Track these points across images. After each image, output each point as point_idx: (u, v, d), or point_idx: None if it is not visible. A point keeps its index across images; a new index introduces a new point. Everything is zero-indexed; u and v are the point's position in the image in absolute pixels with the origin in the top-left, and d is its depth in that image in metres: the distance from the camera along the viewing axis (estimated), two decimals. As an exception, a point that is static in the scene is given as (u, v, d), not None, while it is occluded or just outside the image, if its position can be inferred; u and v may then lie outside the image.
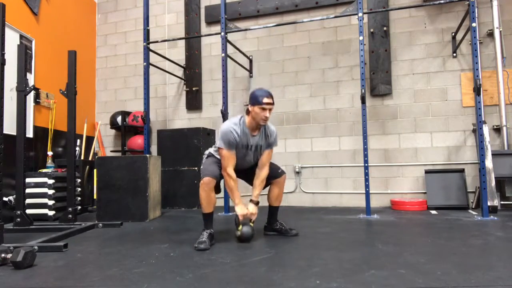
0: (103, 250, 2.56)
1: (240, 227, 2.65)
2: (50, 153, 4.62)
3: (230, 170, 2.66)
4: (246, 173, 2.87)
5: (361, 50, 3.86)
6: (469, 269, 1.88)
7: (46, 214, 4.11)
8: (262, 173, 2.76)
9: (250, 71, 5.30)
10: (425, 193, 4.51)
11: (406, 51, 4.78)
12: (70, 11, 5.40)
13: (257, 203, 2.76)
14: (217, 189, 2.73)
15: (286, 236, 2.85)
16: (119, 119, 5.50)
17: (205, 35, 5.25)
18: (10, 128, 3.87)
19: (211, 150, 2.85)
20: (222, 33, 4.31)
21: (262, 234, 2.95)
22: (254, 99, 2.61)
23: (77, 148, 5.04)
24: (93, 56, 6.00)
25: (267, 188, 2.90)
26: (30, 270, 2.06)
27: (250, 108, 2.65)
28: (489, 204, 3.65)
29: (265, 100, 2.59)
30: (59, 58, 4.94)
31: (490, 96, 4.47)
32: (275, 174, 2.85)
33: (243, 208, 2.69)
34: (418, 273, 1.82)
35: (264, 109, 2.59)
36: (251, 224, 2.72)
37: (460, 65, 4.60)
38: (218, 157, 2.74)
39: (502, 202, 4.21)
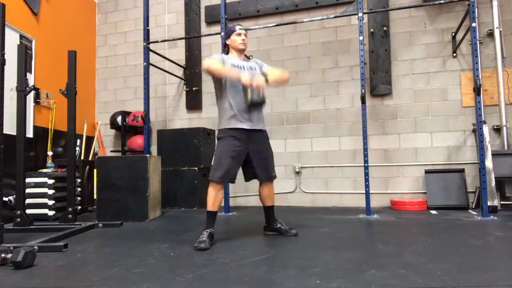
0: (103, 250, 2.56)
1: (249, 93, 2.51)
2: (50, 153, 4.62)
3: (211, 61, 2.60)
4: (243, 163, 2.77)
5: (361, 50, 3.86)
6: (469, 269, 1.88)
7: (46, 214, 4.11)
8: (279, 70, 2.81)
9: (250, 71, 5.29)
10: (425, 193, 4.51)
11: (406, 51, 4.78)
12: (70, 11, 5.40)
13: (267, 80, 2.66)
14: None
15: (286, 236, 2.85)
16: (119, 119, 5.50)
17: (205, 35, 5.25)
18: (10, 128, 3.88)
19: (223, 123, 2.73)
20: (222, 33, 4.31)
21: (262, 234, 2.95)
22: (229, 31, 2.83)
23: (77, 148, 5.04)
24: (93, 56, 6.00)
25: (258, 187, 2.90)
26: (30, 270, 2.06)
27: (227, 42, 2.83)
28: (489, 204, 3.65)
29: (237, 27, 2.80)
30: (59, 58, 4.94)
31: (490, 96, 4.47)
32: (270, 175, 2.83)
33: (249, 76, 2.54)
34: (418, 273, 1.82)
35: (239, 34, 2.78)
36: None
37: (460, 65, 4.61)
38: (232, 136, 2.65)
39: (502, 202, 4.21)
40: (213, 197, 2.64)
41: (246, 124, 2.68)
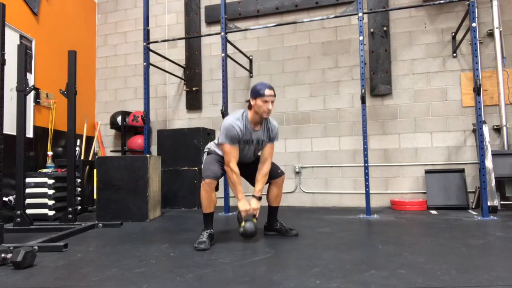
0: (103, 250, 2.56)
1: (243, 223, 2.63)
2: (50, 153, 4.62)
3: (233, 165, 2.65)
4: (245, 169, 2.86)
5: (361, 50, 3.86)
6: (469, 269, 1.88)
7: (46, 214, 4.11)
8: (264, 168, 2.75)
9: (250, 71, 5.30)
10: (425, 193, 4.51)
11: (406, 51, 4.78)
12: (70, 11, 5.40)
13: (259, 198, 2.73)
14: (215, 187, 2.74)
15: (286, 236, 2.85)
16: (119, 119, 5.50)
17: (205, 35, 5.25)
18: (10, 128, 3.88)
19: (212, 145, 2.85)
20: (222, 33, 4.31)
21: (262, 234, 2.95)
22: (256, 92, 2.61)
23: (77, 148, 5.04)
24: (93, 56, 6.00)
25: (266, 188, 2.89)
26: (30, 270, 2.06)
27: (252, 102, 2.64)
28: (489, 204, 3.65)
29: (267, 92, 2.59)
30: (59, 58, 4.94)
31: (490, 96, 4.47)
32: (274, 174, 2.85)
33: (246, 204, 2.67)
34: (418, 273, 1.82)
35: (266, 101, 2.59)
36: (255, 220, 2.70)
37: (460, 65, 4.61)
38: (220, 153, 2.74)
39: (502, 202, 4.21)
40: (207, 198, 2.64)
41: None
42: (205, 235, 2.58)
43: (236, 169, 2.66)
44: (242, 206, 2.65)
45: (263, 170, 2.74)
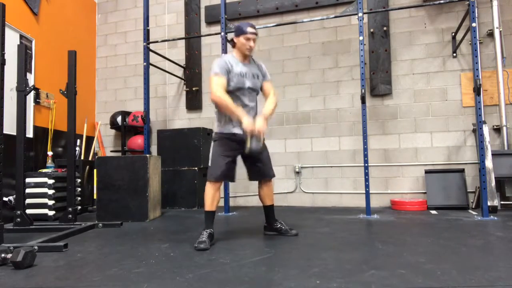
0: (103, 250, 2.56)
1: (248, 141, 2.55)
2: (50, 153, 4.62)
3: (217, 89, 2.59)
4: (246, 163, 2.84)
5: (361, 50, 3.86)
6: (469, 269, 1.88)
7: (46, 214, 4.11)
8: (271, 98, 2.83)
9: (250, 71, 5.29)
10: (425, 193, 4.51)
11: (406, 51, 4.78)
12: (70, 11, 5.40)
13: (266, 118, 2.69)
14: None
15: (286, 236, 2.85)
16: (119, 119, 5.50)
17: (205, 35, 5.25)
18: (10, 128, 3.88)
19: (219, 128, 2.77)
20: (222, 33, 4.32)
21: (262, 234, 2.95)
22: (239, 30, 2.72)
23: (77, 148, 5.04)
24: (93, 56, 6.00)
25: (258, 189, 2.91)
26: (30, 270, 2.06)
27: (235, 40, 2.76)
28: (489, 204, 3.65)
29: (249, 30, 2.69)
30: (59, 58, 4.94)
31: (490, 96, 4.47)
32: (267, 173, 2.84)
33: (250, 122, 2.56)
34: (418, 273, 1.82)
35: (248, 38, 2.69)
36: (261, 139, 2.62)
37: (460, 65, 4.61)
38: (225, 130, 2.69)
39: (502, 202, 4.21)
40: (211, 196, 2.66)
41: (239, 129, 2.68)
42: (205, 234, 2.58)
43: (222, 92, 2.60)
44: (247, 124, 2.55)
45: (272, 99, 2.83)
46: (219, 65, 2.65)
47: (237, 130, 2.69)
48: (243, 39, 2.70)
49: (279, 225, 2.91)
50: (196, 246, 2.46)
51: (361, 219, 3.66)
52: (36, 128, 4.54)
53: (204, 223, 2.68)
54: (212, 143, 2.79)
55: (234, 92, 2.69)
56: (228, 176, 2.72)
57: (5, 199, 3.88)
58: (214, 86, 2.61)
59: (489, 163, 3.89)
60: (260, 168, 2.81)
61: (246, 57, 2.80)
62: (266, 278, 1.81)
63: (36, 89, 4.29)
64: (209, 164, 2.73)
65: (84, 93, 5.57)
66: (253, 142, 2.57)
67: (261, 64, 2.91)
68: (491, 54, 4.47)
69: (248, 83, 2.74)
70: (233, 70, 2.68)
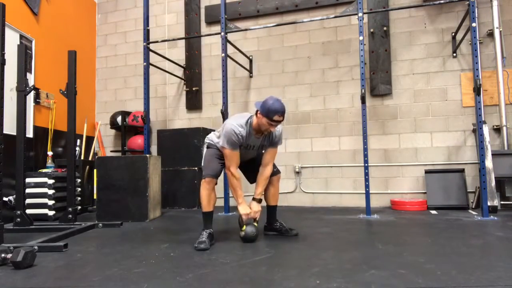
0: (103, 250, 2.56)
1: (244, 227, 2.65)
2: (50, 153, 4.62)
3: (234, 169, 2.66)
4: (246, 167, 2.88)
5: (361, 50, 3.86)
6: (469, 269, 1.87)
7: (46, 214, 4.11)
8: (266, 171, 2.75)
9: (250, 71, 5.30)
10: (425, 193, 4.51)
11: (406, 51, 4.78)
12: (70, 11, 5.40)
13: (260, 201, 2.75)
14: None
15: (286, 236, 2.85)
16: (119, 119, 5.50)
17: (205, 35, 5.25)
18: (10, 128, 3.87)
19: (213, 137, 2.81)
20: (222, 33, 4.31)
21: (262, 234, 2.94)
22: (266, 111, 2.50)
23: (77, 148, 5.04)
24: (93, 56, 6.00)
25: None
26: (30, 270, 2.06)
27: (259, 114, 2.56)
28: (489, 204, 3.65)
29: (276, 117, 2.50)
30: (59, 58, 4.94)
31: (490, 96, 4.46)
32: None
33: (246, 208, 2.69)
34: (418, 273, 1.82)
35: (271, 124, 2.54)
36: (255, 223, 2.72)
37: (460, 65, 4.60)
38: (219, 145, 2.71)
39: (502, 202, 4.21)
40: (207, 196, 2.66)
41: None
42: (204, 235, 2.58)
43: (237, 173, 2.68)
44: (243, 210, 2.67)
45: (265, 174, 2.75)
46: (231, 143, 2.59)
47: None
48: (265, 121, 2.53)
49: (279, 225, 2.91)
50: (196, 246, 2.46)
51: (361, 219, 3.66)
52: (36, 128, 4.53)
53: (203, 223, 2.69)
54: (206, 149, 2.81)
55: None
56: (219, 175, 2.74)
57: (5, 199, 3.88)
58: (231, 163, 2.65)
59: (489, 163, 3.89)
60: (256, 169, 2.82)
61: (262, 133, 2.69)
62: (266, 278, 1.81)
63: (36, 89, 4.28)
64: (203, 164, 2.76)
65: (84, 93, 5.57)
66: (248, 228, 2.64)
67: (277, 133, 2.74)
68: (491, 54, 4.47)
69: (251, 155, 2.80)
70: (242, 144, 2.66)
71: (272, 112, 2.49)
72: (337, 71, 4.99)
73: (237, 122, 2.63)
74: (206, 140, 2.87)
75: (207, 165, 2.72)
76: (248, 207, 2.69)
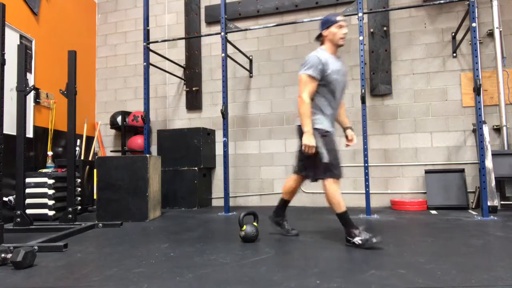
0: (103, 250, 2.55)
1: (244, 227, 2.65)
2: (50, 153, 4.62)
3: (306, 96, 2.50)
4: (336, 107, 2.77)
5: (361, 50, 3.86)
6: (469, 269, 1.87)
7: (46, 214, 4.11)
8: (344, 106, 2.86)
9: (250, 71, 5.30)
10: (425, 193, 4.51)
11: (406, 51, 4.78)
12: (70, 11, 5.40)
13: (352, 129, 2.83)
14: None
15: (286, 236, 2.85)
16: (119, 119, 5.50)
17: (205, 35, 5.25)
18: (10, 128, 3.88)
19: (321, 119, 2.60)
20: (222, 33, 4.32)
21: (262, 234, 2.94)
22: (328, 22, 2.57)
23: (77, 148, 5.05)
24: (93, 56, 6.00)
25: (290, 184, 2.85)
26: (30, 270, 2.06)
27: (325, 33, 2.59)
28: (489, 204, 3.65)
29: (339, 18, 2.55)
30: (59, 58, 4.94)
31: (490, 96, 4.47)
32: (303, 170, 2.71)
33: (312, 139, 2.48)
34: (418, 273, 1.82)
35: (341, 26, 2.56)
36: (255, 223, 2.71)
37: (460, 65, 4.61)
38: (328, 112, 2.59)
39: (502, 202, 4.21)
40: (339, 195, 2.55)
41: (332, 127, 2.66)
42: (363, 232, 2.42)
43: (309, 100, 2.51)
44: (307, 141, 2.47)
45: (342, 106, 2.85)
46: (316, 67, 2.49)
47: (330, 128, 2.62)
48: (335, 28, 2.54)
49: (284, 222, 2.90)
50: (368, 243, 2.33)
51: (361, 219, 3.66)
52: (36, 128, 4.54)
53: (349, 225, 2.50)
54: (321, 138, 2.54)
55: (326, 95, 2.58)
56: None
57: (5, 199, 3.88)
58: (304, 90, 2.51)
59: (489, 163, 3.89)
60: (303, 164, 2.71)
61: (336, 52, 2.64)
62: (266, 278, 1.81)
63: (36, 89, 4.29)
64: (327, 159, 2.49)
65: (84, 93, 5.57)
66: (248, 228, 2.64)
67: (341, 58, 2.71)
68: (491, 54, 4.47)
69: (342, 84, 2.63)
70: (329, 69, 2.52)
71: (331, 17, 2.57)
72: (337, 71, 4.98)
73: (317, 52, 2.58)
74: (315, 122, 2.57)
75: (335, 161, 2.51)
76: (313, 139, 2.48)
